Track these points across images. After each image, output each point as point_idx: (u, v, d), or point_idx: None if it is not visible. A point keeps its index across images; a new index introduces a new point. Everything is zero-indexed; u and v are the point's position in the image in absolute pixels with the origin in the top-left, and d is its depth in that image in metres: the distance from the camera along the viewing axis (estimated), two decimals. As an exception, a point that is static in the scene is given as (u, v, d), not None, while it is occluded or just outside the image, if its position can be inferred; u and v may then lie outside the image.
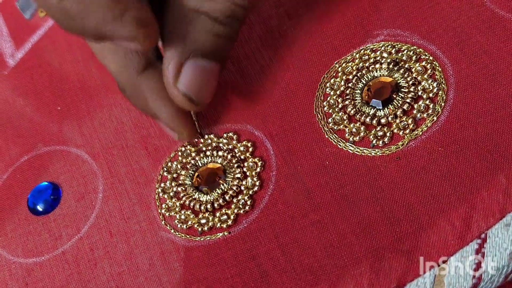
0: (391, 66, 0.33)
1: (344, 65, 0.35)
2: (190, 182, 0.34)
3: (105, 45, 0.32)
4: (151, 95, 0.33)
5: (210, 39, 0.30)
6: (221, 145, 0.35)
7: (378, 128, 0.32)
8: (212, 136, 0.36)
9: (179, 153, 0.36)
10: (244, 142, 0.35)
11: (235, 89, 0.37)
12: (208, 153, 0.35)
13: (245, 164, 0.34)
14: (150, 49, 0.32)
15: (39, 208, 0.36)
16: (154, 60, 0.33)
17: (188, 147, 0.36)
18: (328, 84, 0.35)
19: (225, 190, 0.33)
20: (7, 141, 0.40)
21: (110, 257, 0.33)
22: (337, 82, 0.34)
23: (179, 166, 0.35)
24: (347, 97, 0.33)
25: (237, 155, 0.34)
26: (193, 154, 0.35)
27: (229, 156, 0.34)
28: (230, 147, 0.35)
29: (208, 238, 0.32)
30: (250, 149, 0.34)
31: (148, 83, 0.32)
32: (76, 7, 0.26)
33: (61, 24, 0.27)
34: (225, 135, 0.35)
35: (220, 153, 0.35)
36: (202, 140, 0.36)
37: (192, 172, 0.35)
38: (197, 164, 0.35)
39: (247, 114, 0.36)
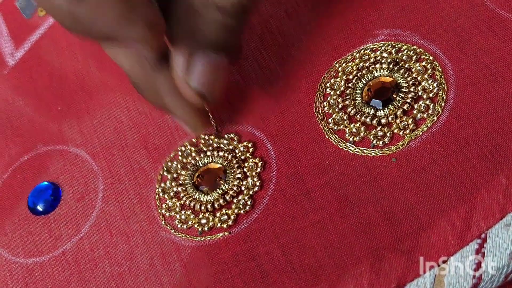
0: (391, 66, 0.33)
1: (344, 65, 0.35)
2: (191, 182, 0.34)
3: None
4: (166, 92, 0.31)
5: (219, 31, 0.29)
6: (222, 145, 0.35)
7: (378, 128, 0.32)
8: (212, 136, 0.36)
9: (179, 153, 0.36)
10: (244, 143, 0.35)
11: (235, 90, 0.37)
12: (208, 153, 0.35)
13: (246, 164, 0.34)
14: (163, 44, 0.31)
15: (39, 208, 0.36)
16: (168, 54, 0.31)
17: (189, 146, 0.36)
18: (328, 84, 0.35)
19: (226, 190, 0.33)
20: (7, 141, 0.40)
21: (111, 257, 0.33)
22: (337, 82, 0.34)
23: (179, 166, 0.35)
24: (347, 97, 0.33)
25: (238, 155, 0.34)
26: (194, 154, 0.35)
27: (229, 157, 0.34)
28: (231, 147, 0.35)
29: (209, 238, 0.32)
30: (251, 150, 0.34)
31: (162, 78, 0.31)
32: (84, 10, 0.25)
33: (66, 27, 0.27)
34: (226, 135, 0.35)
35: (221, 153, 0.34)
36: (202, 141, 0.36)
37: (193, 172, 0.35)
38: (197, 164, 0.35)
39: (247, 115, 0.36)
